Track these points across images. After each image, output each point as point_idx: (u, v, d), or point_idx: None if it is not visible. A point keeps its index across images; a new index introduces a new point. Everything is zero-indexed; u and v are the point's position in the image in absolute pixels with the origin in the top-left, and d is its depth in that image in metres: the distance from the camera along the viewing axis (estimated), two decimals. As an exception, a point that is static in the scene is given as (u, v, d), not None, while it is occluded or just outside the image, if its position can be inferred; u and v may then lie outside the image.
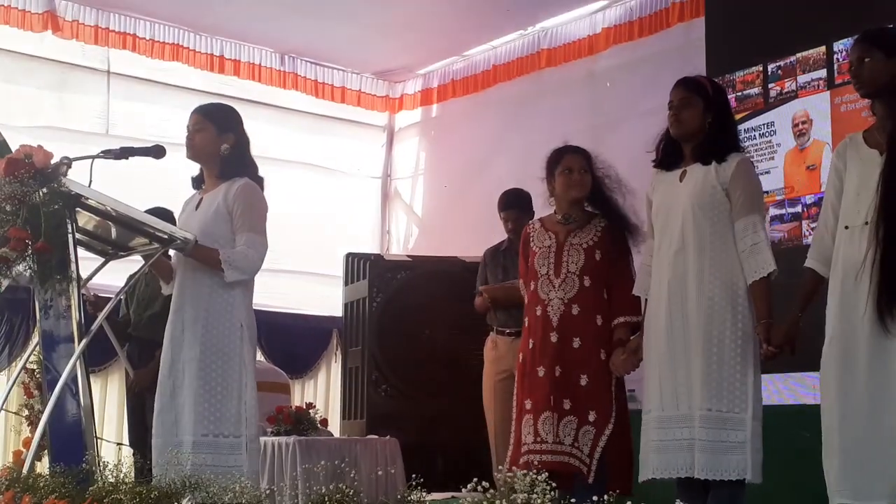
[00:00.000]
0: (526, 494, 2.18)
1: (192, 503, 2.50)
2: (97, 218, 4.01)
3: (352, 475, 2.41)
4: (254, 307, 4.03)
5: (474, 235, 7.04)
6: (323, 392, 9.11)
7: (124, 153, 4.14)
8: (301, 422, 6.14)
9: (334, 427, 7.54)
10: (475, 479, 2.27)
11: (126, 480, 3.17)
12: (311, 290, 9.19)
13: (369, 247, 9.45)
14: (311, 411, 6.33)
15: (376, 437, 6.43)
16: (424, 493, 2.47)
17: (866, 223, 3.21)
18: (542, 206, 4.56)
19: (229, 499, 2.53)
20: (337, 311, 8.16)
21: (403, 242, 9.93)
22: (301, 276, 9.12)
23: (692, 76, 3.93)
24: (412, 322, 7.23)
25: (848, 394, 3.19)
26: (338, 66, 9.57)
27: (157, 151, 4.14)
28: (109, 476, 3.24)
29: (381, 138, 10.21)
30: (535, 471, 2.30)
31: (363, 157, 10.08)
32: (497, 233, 5.80)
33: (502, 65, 8.90)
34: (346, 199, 9.81)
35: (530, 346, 4.22)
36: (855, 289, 3.20)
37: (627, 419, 4.13)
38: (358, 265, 7.60)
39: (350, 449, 6.04)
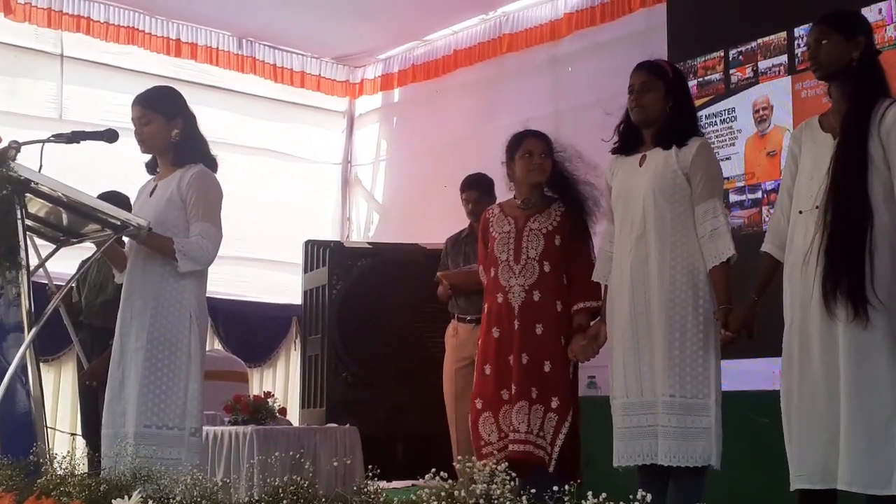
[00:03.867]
0: (485, 485, 2.13)
1: (142, 496, 2.43)
2: (49, 204, 3.91)
3: (306, 466, 2.35)
4: (212, 295, 3.97)
5: (435, 222, 6.99)
6: (282, 381, 9.04)
7: (76, 137, 4.05)
8: (259, 411, 6.05)
9: (293, 416, 7.48)
10: (433, 469, 2.23)
11: (75, 473, 3.09)
12: (270, 277, 9.12)
13: (329, 234, 9.38)
14: (269, 400, 6.24)
15: (336, 425, 6.37)
16: (384, 483, 2.42)
17: (817, 207, 3.19)
18: (504, 193, 4.53)
19: (180, 491, 2.47)
20: (296, 298, 8.08)
21: (364, 229, 9.87)
22: (260, 263, 9.05)
23: (653, 60, 3.89)
24: (372, 310, 7.17)
25: (804, 378, 3.18)
26: (297, 50, 9.47)
27: (110, 136, 4.07)
28: (59, 468, 3.16)
29: (341, 124, 10.13)
30: (496, 461, 2.26)
31: (323, 142, 10.00)
32: (458, 220, 5.76)
33: (463, 50, 8.84)
34: (306, 185, 9.73)
35: (496, 335, 4.17)
36: (805, 273, 3.19)
37: (578, 405, 4.11)
38: (318, 252, 7.52)
39: (309, 438, 5.97)
